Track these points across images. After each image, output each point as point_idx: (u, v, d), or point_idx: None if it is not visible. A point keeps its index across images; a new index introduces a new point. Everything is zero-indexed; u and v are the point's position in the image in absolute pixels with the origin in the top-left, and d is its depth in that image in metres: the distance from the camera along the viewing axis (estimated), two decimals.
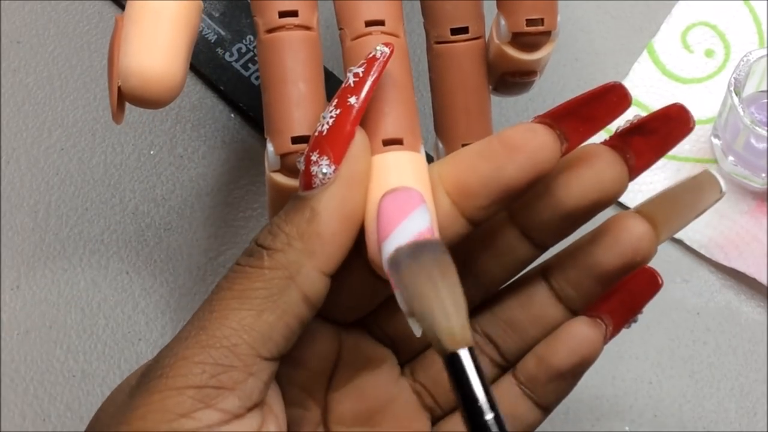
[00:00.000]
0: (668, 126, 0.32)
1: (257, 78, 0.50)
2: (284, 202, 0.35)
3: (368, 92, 0.30)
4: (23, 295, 0.47)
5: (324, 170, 0.30)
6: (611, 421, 0.45)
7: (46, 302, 0.47)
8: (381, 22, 0.34)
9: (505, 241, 0.33)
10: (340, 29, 0.34)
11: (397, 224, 0.30)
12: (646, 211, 0.33)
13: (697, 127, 0.50)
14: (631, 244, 0.32)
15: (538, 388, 0.33)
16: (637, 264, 0.33)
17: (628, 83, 0.51)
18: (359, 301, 0.33)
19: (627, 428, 0.45)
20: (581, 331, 0.33)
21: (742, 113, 0.45)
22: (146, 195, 0.49)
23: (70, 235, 0.48)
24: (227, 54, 0.51)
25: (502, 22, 0.36)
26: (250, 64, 0.50)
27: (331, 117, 0.30)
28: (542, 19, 0.35)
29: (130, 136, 0.50)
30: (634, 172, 0.32)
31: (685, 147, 0.49)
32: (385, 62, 0.31)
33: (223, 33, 0.51)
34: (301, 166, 0.30)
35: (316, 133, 0.30)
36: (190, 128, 0.50)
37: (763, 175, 0.47)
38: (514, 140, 0.30)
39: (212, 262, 0.48)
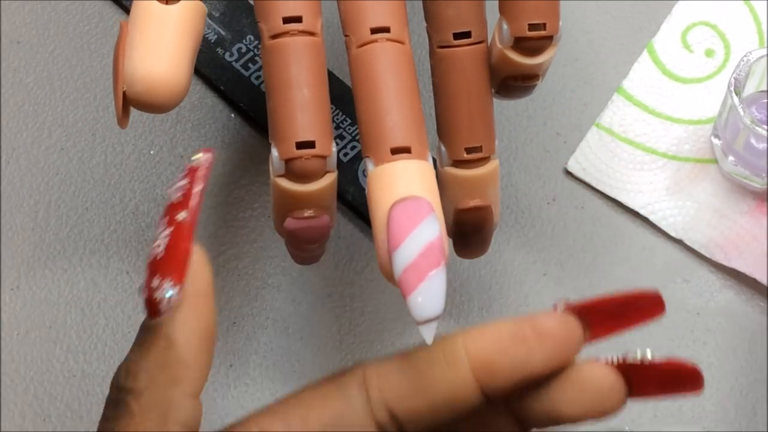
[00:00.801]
0: (677, 378, 0.32)
1: (257, 78, 0.50)
2: (289, 206, 0.35)
3: (197, 204, 0.30)
4: (23, 295, 0.47)
5: (168, 293, 0.29)
6: (611, 420, 0.45)
7: (46, 302, 0.47)
8: (386, 29, 0.34)
9: (494, 420, 0.33)
10: (346, 36, 0.34)
11: (408, 234, 0.30)
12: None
13: (697, 127, 0.50)
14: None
15: None
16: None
17: (628, 83, 0.51)
18: None
19: (627, 428, 0.45)
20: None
21: (742, 113, 0.45)
22: (146, 195, 0.49)
23: (70, 235, 0.48)
24: (227, 54, 0.51)
25: (505, 26, 0.36)
26: (250, 64, 0.50)
27: (165, 237, 0.29)
28: (545, 24, 0.35)
29: (131, 136, 0.50)
30: (632, 395, 0.32)
31: (685, 147, 0.49)
32: (208, 169, 0.30)
33: (223, 33, 0.51)
34: (144, 295, 0.29)
35: (151, 259, 0.29)
36: (191, 128, 0.50)
37: (764, 175, 0.47)
38: (546, 329, 0.31)
39: (212, 261, 0.47)
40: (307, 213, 0.35)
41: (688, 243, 0.47)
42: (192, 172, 0.30)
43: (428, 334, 0.30)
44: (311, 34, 0.34)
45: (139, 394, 0.28)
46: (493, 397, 0.31)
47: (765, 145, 0.46)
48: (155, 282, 0.29)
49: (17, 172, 0.49)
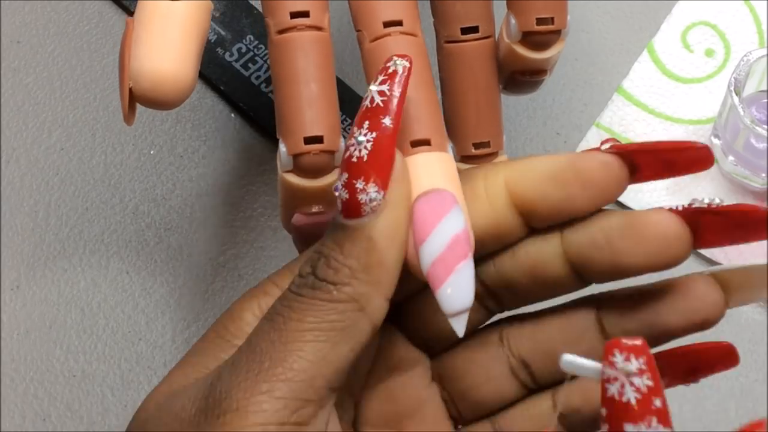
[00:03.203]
0: (744, 224, 0.30)
1: (257, 78, 0.50)
2: (297, 202, 0.35)
3: (399, 110, 0.30)
4: (23, 295, 0.47)
5: (373, 196, 0.29)
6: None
7: (46, 302, 0.47)
8: (399, 23, 0.34)
9: (553, 271, 0.32)
10: (358, 31, 0.34)
11: (433, 227, 0.30)
12: (720, 276, 0.32)
13: (697, 127, 0.50)
14: (702, 310, 0.31)
15: (575, 419, 0.33)
16: (699, 330, 0.32)
17: (628, 83, 0.51)
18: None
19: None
20: None
21: (742, 113, 0.45)
22: (146, 195, 0.49)
23: (70, 235, 0.48)
24: (227, 54, 0.51)
25: (513, 21, 0.36)
26: (250, 64, 0.50)
27: (369, 141, 0.29)
28: (552, 18, 0.35)
29: (130, 136, 0.50)
30: (699, 245, 0.31)
31: None
32: (408, 76, 0.30)
33: (223, 33, 0.51)
34: (344, 195, 0.30)
35: (354, 159, 0.29)
36: (190, 128, 0.50)
37: (763, 175, 0.47)
38: (589, 174, 0.30)
39: (212, 262, 0.48)
40: (315, 209, 0.35)
41: None
42: (392, 76, 0.30)
43: (459, 326, 0.30)
44: (318, 29, 0.34)
45: (342, 287, 0.29)
46: (539, 229, 0.31)
47: (765, 145, 0.46)
48: (359, 184, 0.29)
49: (17, 172, 0.49)
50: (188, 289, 0.47)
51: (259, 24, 0.51)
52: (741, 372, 0.46)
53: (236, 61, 0.51)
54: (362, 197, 0.29)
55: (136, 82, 0.32)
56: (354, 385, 0.33)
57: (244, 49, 0.51)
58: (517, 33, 0.36)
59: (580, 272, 0.32)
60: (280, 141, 0.34)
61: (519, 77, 0.37)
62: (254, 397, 0.28)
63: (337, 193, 0.30)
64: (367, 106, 0.30)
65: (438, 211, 0.30)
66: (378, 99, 0.30)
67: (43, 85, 0.51)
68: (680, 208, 0.30)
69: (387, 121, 0.29)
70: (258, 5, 0.52)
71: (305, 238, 0.36)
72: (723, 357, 0.33)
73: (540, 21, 0.35)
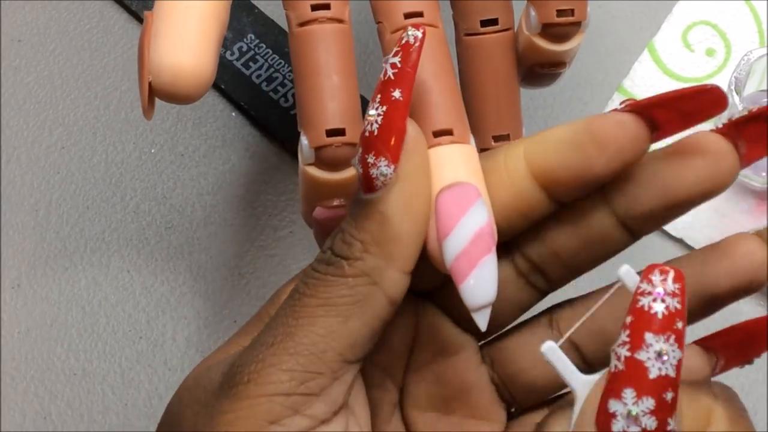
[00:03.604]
0: None
1: (258, 77, 0.50)
2: (318, 195, 0.35)
3: (410, 82, 0.29)
4: (24, 293, 0.47)
5: (383, 171, 0.29)
6: None
7: (47, 301, 0.47)
8: (420, 14, 0.34)
9: (599, 228, 0.32)
10: (378, 23, 0.34)
11: (457, 221, 0.30)
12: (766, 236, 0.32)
13: (697, 127, 0.50)
14: (749, 270, 0.31)
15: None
16: (749, 292, 0.31)
17: (629, 82, 0.51)
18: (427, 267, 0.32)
19: None
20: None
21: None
22: (147, 193, 0.49)
23: (70, 233, 0.48)
24: (228, 53, 0.51)
25: (532, 13, 0.36)
26: (251, 63, 0.50)
27: (379, 115, 0.29)
28: (572, 10, 0.35)
29: (131, 134, 0.50)
30: (743, 161, 0.31)
31: None
32: (420, 46, 0.30)
33: None
34: (359, 170, 0.29)
35: (366, 134, 0.29)
36: (191, 127, 0.50)
37: (764, 174, 0.47)
38: (604, 134, 0.30)
39: (213, 260, 0.48)
40: (337, 202, 0.35)
41: (689, 242, 0.47)
42: (405, 48, 0.30)
43: (482, 320, 0.30)
44: (339, 21, 0.34)
45: (353, 262, 0.29)
46: (565, 201, 0.31)
47: None
48: (370, 159, 0.29)
49: (18, 170, 0.49)
50: (189, 287, 0.47)
51: (259, 23, 0.51)
52: (741, 372, 0.46)
53: (237, 59, 0.51)
54: (373, 172, 0.29)
55: (156, 77, 0.32)
56: (393, 366, 0.33)
57: (245, 48, 0.51)
58: (537, 25, 0.36)
59: (628, 223, 0.31)
60: (302, 134, 0.34)
61: (538, 70, 0.37)
62: (263, 370, 0.29)
63: (355, 167, 0.30)
64: (380, 78, 0.30)
65: (462, 205, 0.30)
66: (390, 71, 0.29)
67: (44, 83, 0.51)
68: (721, 125, 0.31)
69: (397, 93, 0.29)
70: (259, 4, 0.52)
71: (327, 231, 0.36)
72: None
73: (560, 12, 0.35)
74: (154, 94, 0.32)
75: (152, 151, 0.50)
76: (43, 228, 0.48)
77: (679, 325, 0.26)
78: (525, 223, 0.32)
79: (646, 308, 0.26)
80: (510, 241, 0.32)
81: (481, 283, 0.30)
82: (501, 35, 0.36)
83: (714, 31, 0.52)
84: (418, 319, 0.33)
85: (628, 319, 0.27)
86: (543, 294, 0.34)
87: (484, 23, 0.36)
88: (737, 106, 0.45)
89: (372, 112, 0.29)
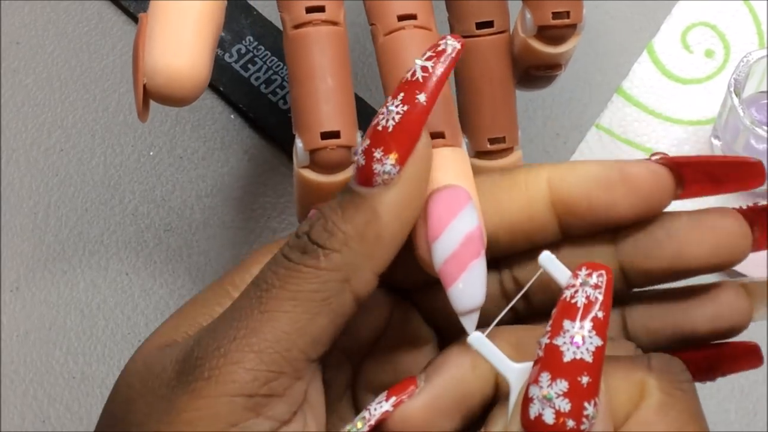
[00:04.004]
0: None
1: (257, 79, 0.50)
2: (313, 198, 0.34)
3: (437, 89, 0.29)
4: (23, 296, 0.47)
5: (387, 169, 0.29)
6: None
7: (46, 304, 0.47)
8: (413, 16, 0.34)
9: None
10: (372, 25, 0.34)
11: (447, 224, 0.30)
12: (747, 288, 0.32)
13: (697, 128, 0.50)
14: (730, 317, 0.32)
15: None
16: (728, 336, 0.32)
17: (628, 83, 0.51)
18: (414, 267, 0.32)
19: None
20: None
21: (742, 114, 0.45)
22: (146, 196, 0.49)
23: (69, 236, 0.48)
24: (227, 55, 0.51)
25: (528, 15, 0.36)
26: (249, 65, 0.50)
27: (398, 113, 0.29)
28: (568, 12, 0.35)
29: (130, 137, 0.50)
30: (754, 246, 0.31)
31: (685, 148, 0.49)
32: (456, 58, 0.30)
33: (222, 34, 0.51)
34: (361, 161, 0.29)
35: (380, 128, 0.29)
36: (190, 129, 0.50)
37: None
38: (636, 178, 0.30)
39: (212, 263, 0.48)
40: None
41: None
42: (439, 55, 0.29)
43: (470, 324, 0.30)
44: (334, 23, 0.34)
45: (330, 253, 0.28)
46: (571, 234, 0.31)
47: (765, 145, 0.46)
48: (378, 153, 0.29)
49: (17, 173, 0.49)
50: (188, 290, 0.47)
51: (258, 25, 0.51)
52: (741, 372, 0.46)
53: (236, 62, 0.51)
54: (377, 167, 0.29)
55: (151, 78, 0.32)
56: (354, 349, 0.33)
57: (243, 50, 0.51)
58: (532, 27, 0.36)
59: (632, 273, 0.31)
60: (297, 136, 0.34)
61: (534, 72, 0.37)
62: (225, 367, 0.28)
63: (355, 158, 0.29)
64: (407, 78, 0.29)
65: (452, 208, 0.30)
66: (419, 73, 0.29)
67: (42, 86, 0.51)
68: (744, 207, 0.31)
69: (422, 97, 0.29)
70: (257, 6, 0.52)
71: None
72: (746, 355, 0.33)
73: (556, 15, 0.35)
74: (148, 96, 0.32)
75: (151, 153, 0.50)
76: (41, 231, 0.48)
77: (600, 314, 0.26)
78: (526, 245, 0.32)
79: (568, 299, 0.27)
80: (501, 258, 0.32)
81: (469, 287, 0.30)
82: (496, 37, 0.36)
83: (713, 32, 0.52)
84: (392, 314, 0.33)
85: (553, 312, 0.27)
86: (519, 319, 0.33)
87: (480, 25, 0.36)
88: (737, 108, 0.45)
89: (390, 107, 0.29)
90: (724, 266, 0.31)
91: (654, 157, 0.31)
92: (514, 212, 0.31)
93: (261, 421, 0.28)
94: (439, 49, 0.30)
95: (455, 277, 0.30)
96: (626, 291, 0.32)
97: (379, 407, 0.29)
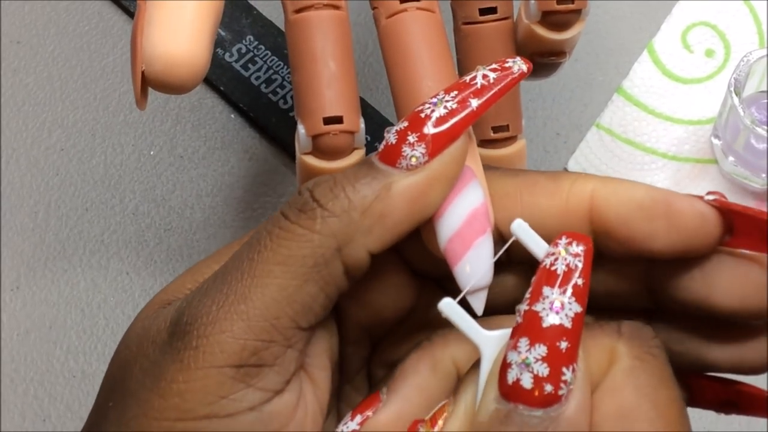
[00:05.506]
0: None
1: (257, 78, 0.50)
2: None
3: (492, 101, 0.29)
4: (23, 295, 0.47)
5: (417, 155, 0.28)
6: None
7: (46, 303, 0.47)
8: None
9: (626, 289, 0.31)
10: (374, 8, 0.34)
11: (451, 201, 0.29)
12: None
13: (697, 128, 0.50)
14: (753, 360, 0.31)
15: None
16: (741, 374, 0.31)
17: (628, 83, 0.51)
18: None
19: None
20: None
21: (742, 113, 0.45)
22: (146, 195, 0.49)
23: (70, 235, 0.48)
24: (227, 54, 0.51)
25: (532, 1, 0.35)
26: (250, 65, 0.50)
27: (446, 108, 0.28)
28: None
29: (130, 136, 0.50)
30: None
31: (685, 147, 0.49)
32: (519, 78, 0.29)
33: (222, 33, 0.51)
34: (391, 139, 0.28)
35: (422, 115, 0.29)
36: (190, 129, 0.50)
37: (763, 175, 0.47)
38: (680, 216, 0.29)
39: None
40: None
41: None
42: (504, 71, 0.29)
43: (478, 304, 0.29)
44: (336, 7, 0.34)
45: (328, 217, 0.28)
46: (602, 252, 0.29)
47: (765, 145, 0.46)
48: (411, 138, 0.28)
49: (17, 172, 0.49)
50: None
51: (258, 24, 0.51)
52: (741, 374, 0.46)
53: (236, 61, 0.51)
54: (406, 150, 0.28)
55: (149, 65, 0.31)
56: (375, 327, 0.32)
57: (243, 50, 0.51)
58: (536, 13, 0.35)
59: (660, 296, 0.30)
60: (299, 122, 0.34)
61: (538, 59, 0.37)
62: (213, 336, 0.27)
63: (386, 135, 0.29)
64: (466, 80, 0.29)
65: (456, 185, 0.29)
66: (480, 80, 0.29)
67: (43, 85, 0.51)
68: None
69: (474, 103, 0.29)
70: (258, 5, 0.52)
71: None
72: (762, 406, 0.32)
73: (560, 0, 0.35)
74: (147, 83, 0.32)
75: (151, 152, 0.50)
76: (42, 230, 0.48)
77: (580, 281, 0.26)
78: None
79: (548, 266, 0.27)
80: (526, 260, 0.31)
81: (475, 265, 0.29)
82: (500, 24, 0.36)
83: (713, 31, 0.52)
84: (419, 298, 0.32)
85: (533, 279, 0.27)
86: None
87: (483, 12, 0.36)
88: (737, 108, 0.45)
89: (442, 97, 0.29)
90: (756, 318, 0.30)
91: (708, 197, 0.29)
92: (549, 218, 0.30)
93: (251, 392, 0.27)
94: (506, 65, 0.29)
95: (460, 255, 0.29)
96: (652, 308, 0.31)
97: (346, 428, 0.29)
